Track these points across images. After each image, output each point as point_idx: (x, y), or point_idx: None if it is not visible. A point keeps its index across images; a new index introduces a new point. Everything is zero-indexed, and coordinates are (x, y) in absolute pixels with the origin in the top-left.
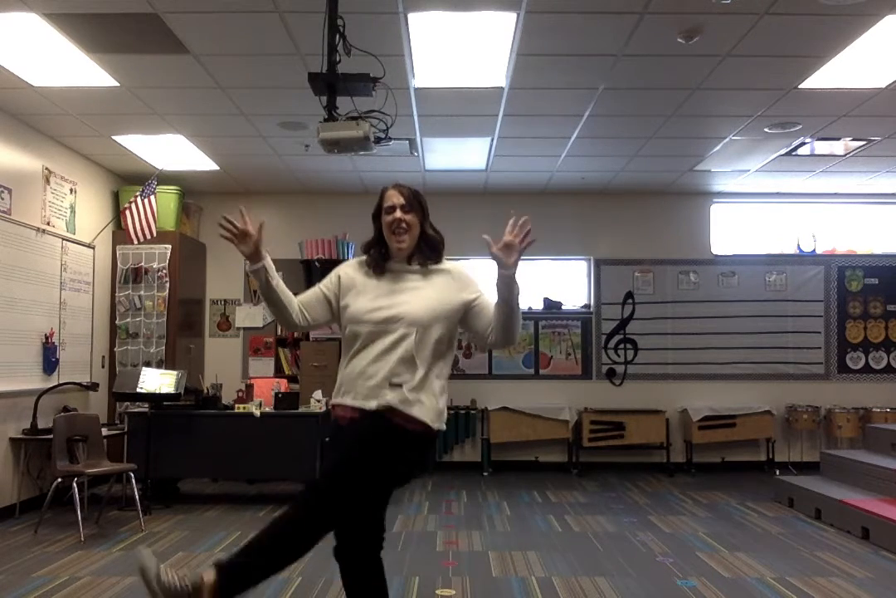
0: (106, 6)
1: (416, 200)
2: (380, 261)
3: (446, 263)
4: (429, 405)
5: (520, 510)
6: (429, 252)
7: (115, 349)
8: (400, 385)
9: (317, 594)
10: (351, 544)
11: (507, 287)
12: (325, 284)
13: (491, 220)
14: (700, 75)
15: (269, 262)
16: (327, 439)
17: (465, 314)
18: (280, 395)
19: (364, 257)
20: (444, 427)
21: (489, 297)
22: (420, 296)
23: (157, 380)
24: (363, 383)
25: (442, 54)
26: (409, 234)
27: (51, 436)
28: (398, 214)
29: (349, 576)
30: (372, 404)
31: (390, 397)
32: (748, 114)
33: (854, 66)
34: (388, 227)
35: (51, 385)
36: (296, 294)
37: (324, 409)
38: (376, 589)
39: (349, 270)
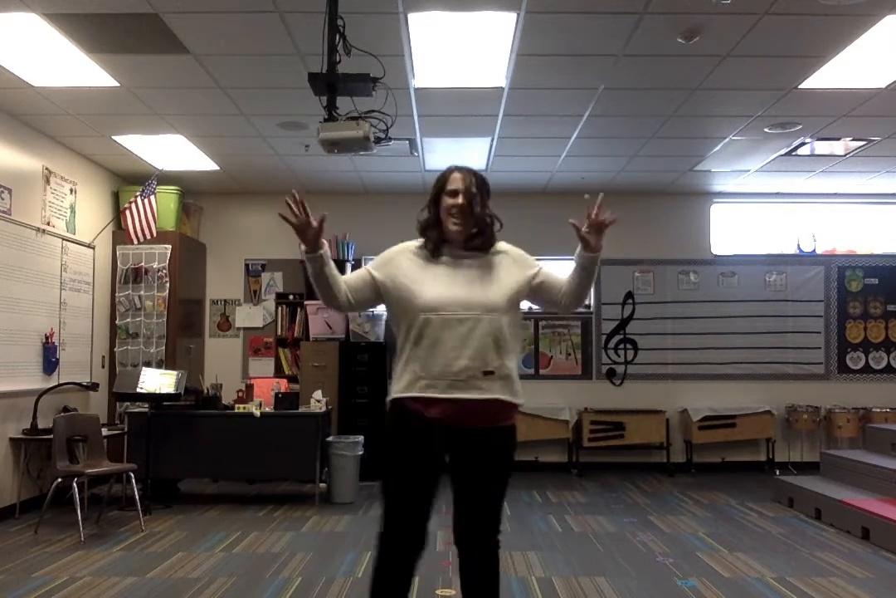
0: (106, 6)
1: (481, 187)
2: (438, 245)
3: (500, 244)
4: (518, 388)
5: (520, 510)
6: (486, 235)
7: (115, 349)
8: (492, 372)
9: (317, 594)
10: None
11: (592, 263)
12: (376, 267)
13: None
14: (700, 75)
15: (326, 250)
16: (395, 435)
17: (531, 289)
18: (280, 395)
19: (416, 242)
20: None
21: (546, 268)
22: (492, 281)
23: (157, 380)
24: (453, 372)
25: (442, 54)
26: (467, 218)
27: (51, 436)
28: (460, 199)
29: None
30: (473, 395)
31: (490, 386)
32: (748, 114)
33: (854, 66)
34: (447, 210)
35: (51, 385)
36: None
37: (324, 409)
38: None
39: (402, 254)
